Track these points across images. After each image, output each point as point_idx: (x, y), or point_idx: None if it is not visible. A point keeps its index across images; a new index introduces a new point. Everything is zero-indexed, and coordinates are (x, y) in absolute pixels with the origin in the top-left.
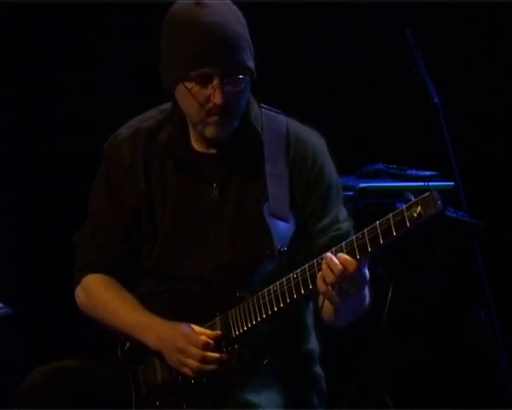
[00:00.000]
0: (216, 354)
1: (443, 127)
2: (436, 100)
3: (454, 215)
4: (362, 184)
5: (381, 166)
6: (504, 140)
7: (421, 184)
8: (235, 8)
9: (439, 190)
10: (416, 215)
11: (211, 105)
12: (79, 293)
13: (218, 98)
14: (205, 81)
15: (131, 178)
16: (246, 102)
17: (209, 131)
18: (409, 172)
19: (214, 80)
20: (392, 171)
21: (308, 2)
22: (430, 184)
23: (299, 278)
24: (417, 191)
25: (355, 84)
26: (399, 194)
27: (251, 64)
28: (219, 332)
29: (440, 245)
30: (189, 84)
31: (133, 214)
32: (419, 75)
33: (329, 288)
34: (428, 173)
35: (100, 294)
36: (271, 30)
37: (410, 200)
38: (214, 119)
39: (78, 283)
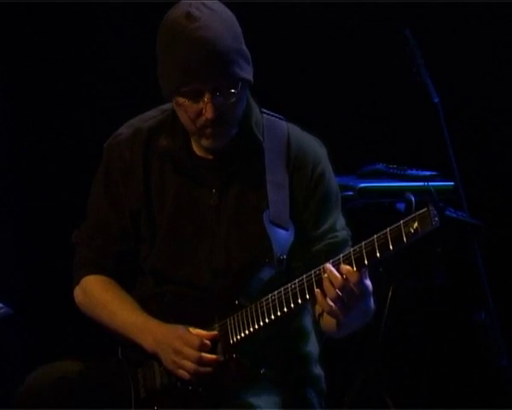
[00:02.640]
0: (212, 356)
1: (443, 127)
2: (436, 100)
3: (454, 215)
4: (362, 184)
5: (381, 166)
6: (504, 140)
7: (421, 184)
8: (228, 17)
9: (439, 189)
10: (413, 231)
11: (203, 119)
12: (78, 293)
13: (209, 113)
14: (195, 97)
15: (131, 178)
16: (242, 109)
17: (205, 143)
18: (409, 172)
19: (205, 96)
20: (392, 171)
21: (308, 3)
22: (430, 184)
23: (297, 289)
24: (417, 191)
25: (355, 84)
26: (399, 194)
27: (244, 75)
28: (216, 333)
29: (440, 245)
30: (180, 99)
31: (132, 215)
32: (419, 75)
33: (331, 303)
34: (428, 173)
35: (98, 294)
36: (271, 30)
37: (410, 200)
38: (208, 131)
39: (77, 283)
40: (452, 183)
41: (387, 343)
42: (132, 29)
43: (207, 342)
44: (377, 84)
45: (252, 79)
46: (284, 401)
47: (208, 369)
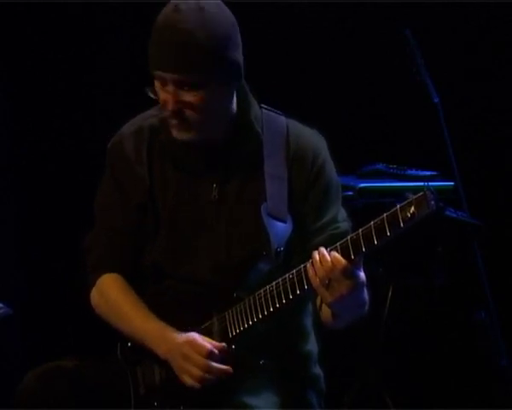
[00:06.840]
0: (221, 366)
1: (443, 127)
2: (436, 100)
3: (454, 215)
4: (362, 184)
5: (381, 166)
6: (504, 140)
7: (421, 184)
8: (219, 20)
9: (439, 189)
10: (409, 215)
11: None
12: (95, 295)
13: (168, 103)
14: (162, 84)
15: (136, 173)
16: (212, 118)
17: (173, 132)
18: (409, 172)
19: (169, 85)
20: (392, 171)
21: (308, 3)
22: (430, 184)
23: (295, 279)
24: (417, 191)
25: (355, 84)
26: (399, 194)
27: (212, 80)
28: (224, 345)
29: (441, 245)
30: (156, 83)
31: (139, 209)
32: (419, 75)
33: (320, 283)
34: (428, 173)
35: (114, 297)
36: (271, 29)
37: None
38: (173, 121)
39: (94, 284)
40: (452, 183)
41: (387, 343)
42: (132, 29)
43: (216, 351)
44: (377, 84)
45: (227, 89)
46: (283, 401)
47: (213, 378)
